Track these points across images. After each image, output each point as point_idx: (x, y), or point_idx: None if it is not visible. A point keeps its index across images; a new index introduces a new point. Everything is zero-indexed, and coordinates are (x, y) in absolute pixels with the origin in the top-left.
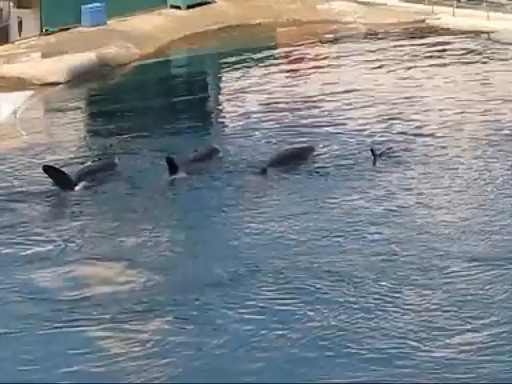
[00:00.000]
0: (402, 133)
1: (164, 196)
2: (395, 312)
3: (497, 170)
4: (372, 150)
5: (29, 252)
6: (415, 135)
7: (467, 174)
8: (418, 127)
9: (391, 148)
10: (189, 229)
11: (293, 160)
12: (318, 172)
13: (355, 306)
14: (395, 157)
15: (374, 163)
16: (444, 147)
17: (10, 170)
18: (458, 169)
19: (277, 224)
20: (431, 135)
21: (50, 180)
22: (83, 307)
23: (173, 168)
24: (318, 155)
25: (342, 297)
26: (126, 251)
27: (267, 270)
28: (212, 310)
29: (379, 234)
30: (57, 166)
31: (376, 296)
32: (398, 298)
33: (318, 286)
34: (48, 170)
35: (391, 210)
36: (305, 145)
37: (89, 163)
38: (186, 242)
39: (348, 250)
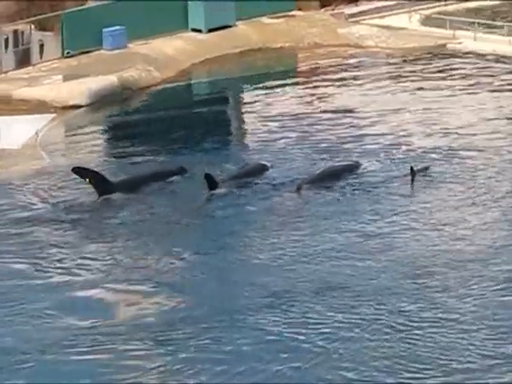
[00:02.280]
0: (438, 152)
1: (198, 213)
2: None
3: None
4: (412, 169)
5: (52, 276)
6: (451, 155)
7: (506, 196)
8: (452, 148)
9: (429, 167)
10: (213, 251)
11: (335, 177)
12: (355, 190)
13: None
14: (432, 176)
15: (412, 182)
16: (481, 168)
17: (31, 193)
18: (495, 190)
19: (301, 246)
20: (467, 156)
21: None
22: (103, 334)
23: (212, 184)
24: (357, 173)
25: (373, 317)
26: (154, 274)
27: (289, 296)
28: (238, 339)
29: (412, 254)
30: (98, 170)
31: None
32: (427, 319)
33: (345, 309)
34: (86, 172)
35: (424, 230)
36: (349, 162)
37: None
38: (211, 265)
39: (378, 272)
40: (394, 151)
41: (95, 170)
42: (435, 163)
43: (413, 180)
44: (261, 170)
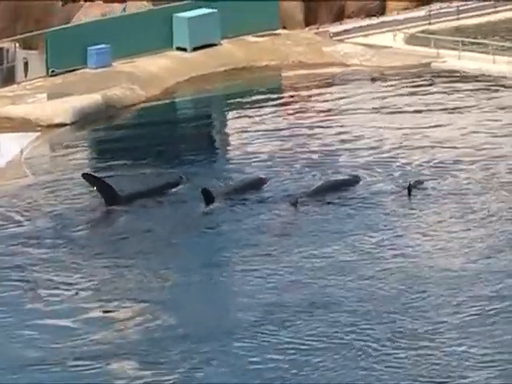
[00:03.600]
0: (430, 166)
1: (192, 230)
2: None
3: None
4: (409, 185)
5: (42, 294)
6: (442, 170)
7: (499, 211)
8: (443, 162)
9: (423, 181)
10: (205, 269)
11: (333, 191)
12: (350, 205)
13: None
14: (426, 190)
15: (409, 197)
16: (472, 182)
17: (16, 210)
18: (487, 205)
19: (293, 262)
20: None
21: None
22: (87, 352)
23: (208, 198)
24: (355, 187)
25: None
26: (143, 292)
27: (278, 314)
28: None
29: (404, 270)
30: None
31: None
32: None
33: (334, 327)
34: (96, 181)
35: (417, 247)
36: (348, 176)
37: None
38: (202, 283)
39: (371, 288)
40: (389, 165)
41: (104, 179)
42: (428, 177)
43: (409, 194)
44: (259, 183)
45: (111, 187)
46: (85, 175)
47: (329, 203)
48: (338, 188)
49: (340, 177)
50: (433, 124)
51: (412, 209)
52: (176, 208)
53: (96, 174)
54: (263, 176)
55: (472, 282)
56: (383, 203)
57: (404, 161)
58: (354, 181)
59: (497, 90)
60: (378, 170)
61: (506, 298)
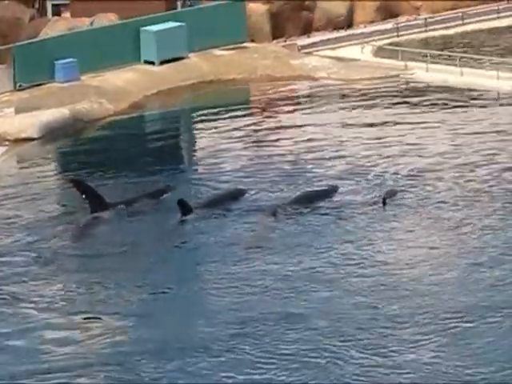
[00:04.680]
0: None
1: (167, 241)
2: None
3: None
4: (384, 197)
5: (17, 308)
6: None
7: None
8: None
9: (396, 192)
10: (179, 282)
11: (310, 201)
12: (326, 216)
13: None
14: (401, 200)
15: (384, 207)
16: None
17: None
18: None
19: (269, 275)
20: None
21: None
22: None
23: (185, 210)
24: (332, 197)
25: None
26: (119, 306)
27: (255, 326)
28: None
29: (380, 281)
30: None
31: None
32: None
33: (311, 340)
34: (82, 186)
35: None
36: (326, 186)
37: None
38: (176, 296)
39: (344, 301)
40: (363, 175)
41: (91, 186)
42: (402, 187)
43: (384, 205)
44: (237, 194)
45: (98, 194)
46: (72, 180)
47: (305, 214)
48: (316, 198)
49: (317, 187)
50: (403, 134)
51: (386, 220)
52: (154, 218)
53: (85, 180)
54: (242, 187)
55: (450, 293)
56: (358, 214)
57: (378, 171)
58: (331, 191)
59: (464, 102)
60: (354, 181)
61: (486, 309)
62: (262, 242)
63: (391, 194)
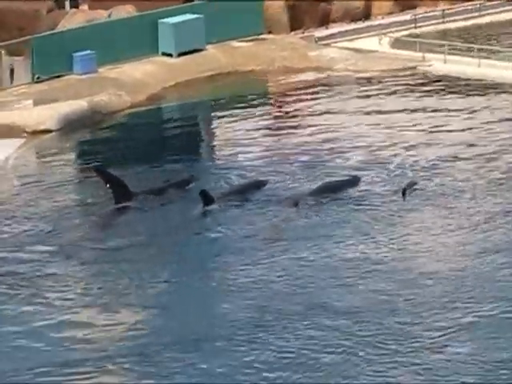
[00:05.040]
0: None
1: (189, 232)
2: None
3: None
4: (404, 187)
5: (33, 301)
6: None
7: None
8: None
9: (416, 182)
10: (199, 273)
11: (333, 192)
12: (345, 206)
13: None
14: (421, 191)
15: (404, 198)
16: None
17: (5, 217)
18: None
19: (291, 264)
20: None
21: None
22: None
23: (207, 200)
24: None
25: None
26: (136, 298)
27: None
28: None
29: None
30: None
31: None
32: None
33: (330, 331)
34: (108, 176)
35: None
36: (348, 177)
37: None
38: (194, 288)
39: (364, 290)
40: (384, 166)
41: (117, 175)
42: (422, 177)
43: (404, 195)
44: (258, 185)
45: (124, 184)
46: (97, 170)
47: (327, 204)
48: (338, 189)
49: (339, 178)
50: (420, 123)
51: (409, 210)
52: (177, 209)
53: (108, 170)
54: (263, 178)
55: (470, 285)
56: (379, 205)
57: (398, 161)
58: (353, 181)
59: (484, 93)
60: (374, 171)
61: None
62: (283, 233)
63: (411, 184)
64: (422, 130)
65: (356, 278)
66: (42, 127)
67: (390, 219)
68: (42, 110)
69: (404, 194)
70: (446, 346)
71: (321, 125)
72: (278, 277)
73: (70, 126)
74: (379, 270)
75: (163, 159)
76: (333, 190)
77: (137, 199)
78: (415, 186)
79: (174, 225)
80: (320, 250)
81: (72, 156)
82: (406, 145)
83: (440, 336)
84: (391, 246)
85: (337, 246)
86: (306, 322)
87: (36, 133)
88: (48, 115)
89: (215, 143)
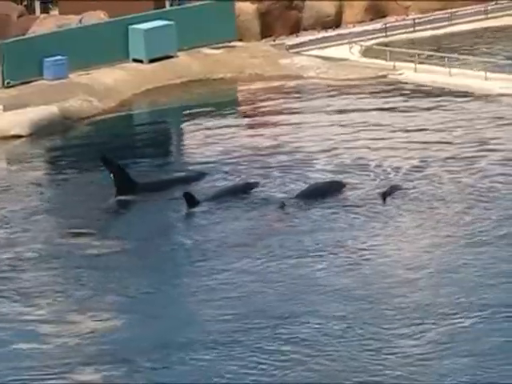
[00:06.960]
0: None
1: (170, 234)
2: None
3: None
4: (385, 192)
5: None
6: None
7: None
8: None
9: (398, 186)
10: (180, 277)
11: (319, 195)
12: (333, 207)
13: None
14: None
15: (384, 202)
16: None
17: None
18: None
19: (275, 265)
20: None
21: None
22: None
23: (191, 202)
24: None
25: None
26: (111, 302)
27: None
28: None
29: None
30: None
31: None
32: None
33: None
34: (113, 166)
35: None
36: (333, 180)
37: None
38: (175, 292)
39: (345, 299)
40: (364, 170)
41: (122, 166)
42: (403, 182)
43: (384, 200)
44: (247, 188)
45: (129, 177)
46: (103, 158)
47: (315, 207)
48: (323, 192)
49: (322, 181)
50: (397, 130)
51: (387, 216)
52: (161, 210)
53: (114, 159)
54: (250, 181)
55: (449, 292)
56: (359, 209)
57: (379, 166)
58: (337, 184)
59: (453, 101)
60: (356, 176)
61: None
62: (264, 239)
63: (392, 189)
64: (394, 138)
65: (337, 284)
66: (12, 132)
67: (371, 224)
68: (12, 115)
69: (384, 198)
70: (420, 354)
71: (289, 132)
72: (261, 281)
73: (40, 131)
74: (356, 276)
75: (133, 164)
76: (319, 193)
77: (140, 193)
78: (396, 191)
79: (155, 228)
80: (300, 256)
81: (42, 161)
82: (382, 150)
83: (413, 346)
84: (372, 250)
85: (316, 253)
86: (287, 327)
87: (6, 138)
88: (18, 120)
89: (184, 148)
